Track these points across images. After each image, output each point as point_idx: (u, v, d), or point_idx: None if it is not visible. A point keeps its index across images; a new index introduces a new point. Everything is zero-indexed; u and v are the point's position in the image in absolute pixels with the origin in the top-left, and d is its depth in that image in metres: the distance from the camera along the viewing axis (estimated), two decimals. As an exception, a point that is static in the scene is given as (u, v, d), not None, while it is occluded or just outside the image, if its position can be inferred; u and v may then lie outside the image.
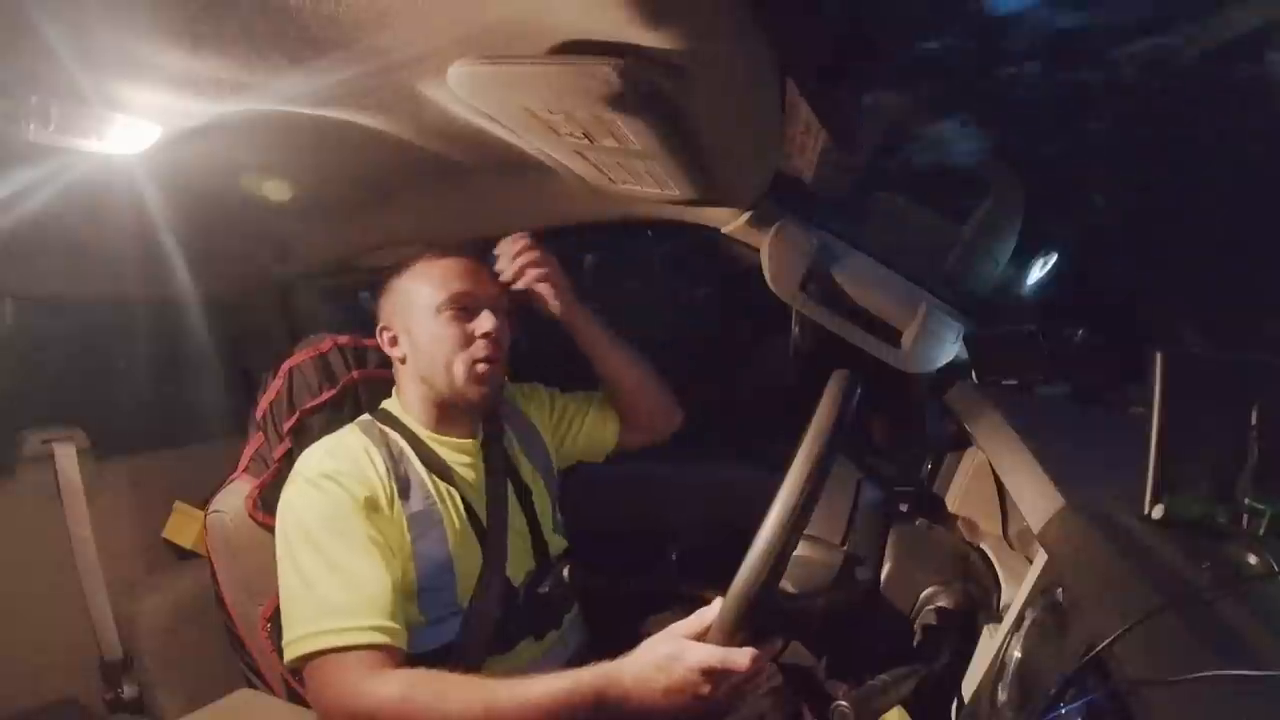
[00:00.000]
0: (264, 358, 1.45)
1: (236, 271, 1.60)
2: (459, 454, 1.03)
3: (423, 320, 1.00)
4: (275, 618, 1.03)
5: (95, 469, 1.40)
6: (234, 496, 1.07)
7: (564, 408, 1.24)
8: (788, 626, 1.00)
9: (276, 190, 1.26)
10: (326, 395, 1.10)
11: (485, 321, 0.99)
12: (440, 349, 0.99)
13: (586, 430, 1.23)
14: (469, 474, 1.03)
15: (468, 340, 0.99)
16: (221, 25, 0.69)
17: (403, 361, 1.03)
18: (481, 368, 0.99)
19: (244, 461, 1.11)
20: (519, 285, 1.08)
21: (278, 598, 1.03)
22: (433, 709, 0.75)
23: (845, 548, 1.02)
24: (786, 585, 0.98)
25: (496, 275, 1.07)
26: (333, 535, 0.86)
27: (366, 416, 1.05)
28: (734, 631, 0.71)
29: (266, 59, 0.76)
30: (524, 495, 1.09)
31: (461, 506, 0.99)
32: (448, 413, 1.03)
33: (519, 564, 1.04)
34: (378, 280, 1.08)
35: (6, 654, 1.22)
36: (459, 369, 0.99)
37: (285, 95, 0.85)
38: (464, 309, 1.00)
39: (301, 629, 0.82)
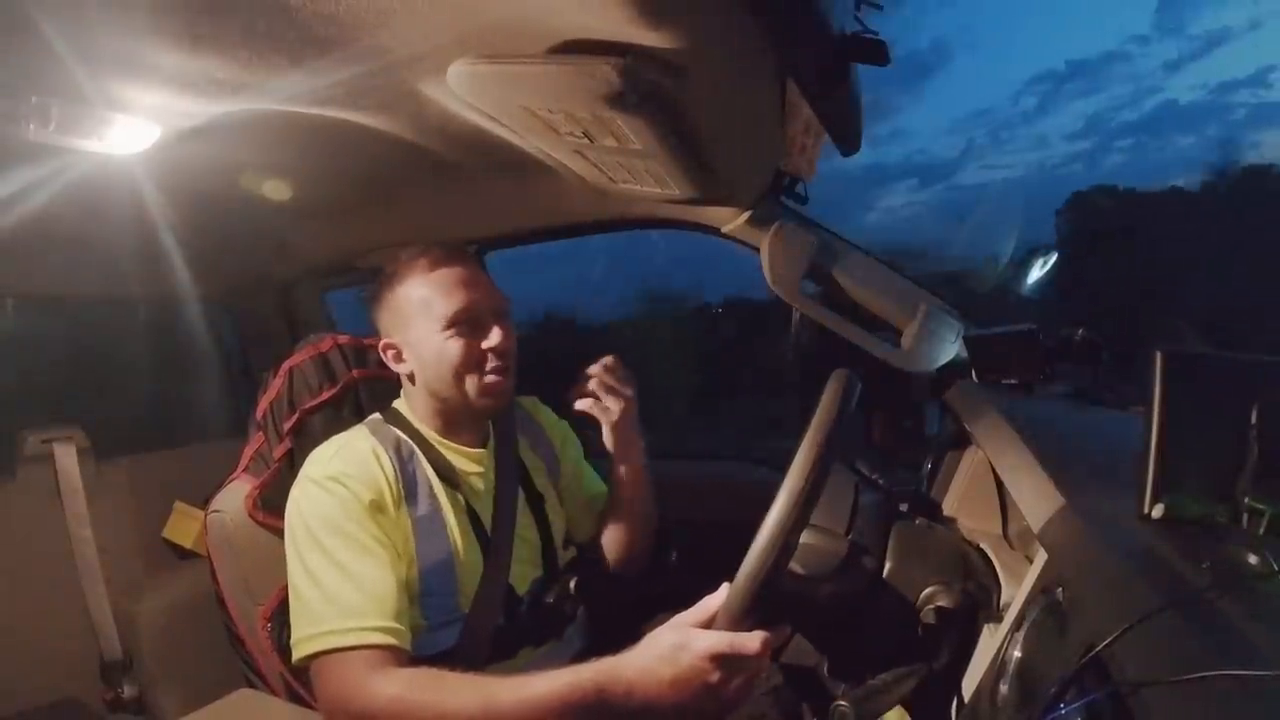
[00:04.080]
0: (264, 358, 1.46)
1: (236, 271, 1.60)
2: (468, 461, 1.03)
3: (428, 337, 0.96)
4: (275, 618, 1.03)
5: (95, 469, 1.40)
6: (234, 496, 1.07)
7: (581, 467, 1.21)
8: (793, 614, 1.00)
9: (276, 190, 1.26)
10: (327, 395, 1.10)
11: (494, 336, 0.97)
12: (449, 367, 0.96)
13: (583, 498, 1.19)
14: (477, 481, 1.03)
15: (478, 356, 0.96)
16: (222, 25, 0.69)
17: (410, 378, 1.01)
18: (492, 379, 0.97)
19: (244, 461, 1.11)
20: (593, 408, 1.06)
21: (277, 598, 1.03)
22: (432, 707, 0.75)
23: (850, 538, 1.02)
24: (794, 567, 0.97)
25: (493, 282, 1.04)
26: (338, 536, 0.86)
27: (377, 416, 1.04)
28: (742, 617, 0.71)
29: (266, 59, 0.76)
30: (536, 503, 1.09)
31: (466, 512, 0.99)
32: (457, 421, 1.02)
33: (525, 573, 1.03)
34: (373, 287, 1.05)
35: (6, 654, 1.22)
36: (470, 385, 0.97)
37: (285, 95, 0.86)
38: (470, 324, 0.96)
39: (307, 629, 0.83)
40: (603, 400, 1.06)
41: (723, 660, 0.70)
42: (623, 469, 1.10)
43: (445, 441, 1.01)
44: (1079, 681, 0.49)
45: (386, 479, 0.92)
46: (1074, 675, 0.49)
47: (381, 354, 1.02)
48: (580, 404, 1.07)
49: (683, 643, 0.72)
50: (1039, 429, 0.91)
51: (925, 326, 1.22)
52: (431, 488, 0.97)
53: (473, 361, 0.96)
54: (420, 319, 0.97)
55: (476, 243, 1.54)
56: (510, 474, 1.06)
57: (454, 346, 0.96)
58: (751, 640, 0.70)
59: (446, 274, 0.97)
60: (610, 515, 1.15)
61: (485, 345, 0.97)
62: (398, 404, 1.05)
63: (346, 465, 0.91)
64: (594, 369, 1.07)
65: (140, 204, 1.14)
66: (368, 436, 0.97)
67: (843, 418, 0.73)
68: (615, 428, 1.07)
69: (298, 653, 0.83)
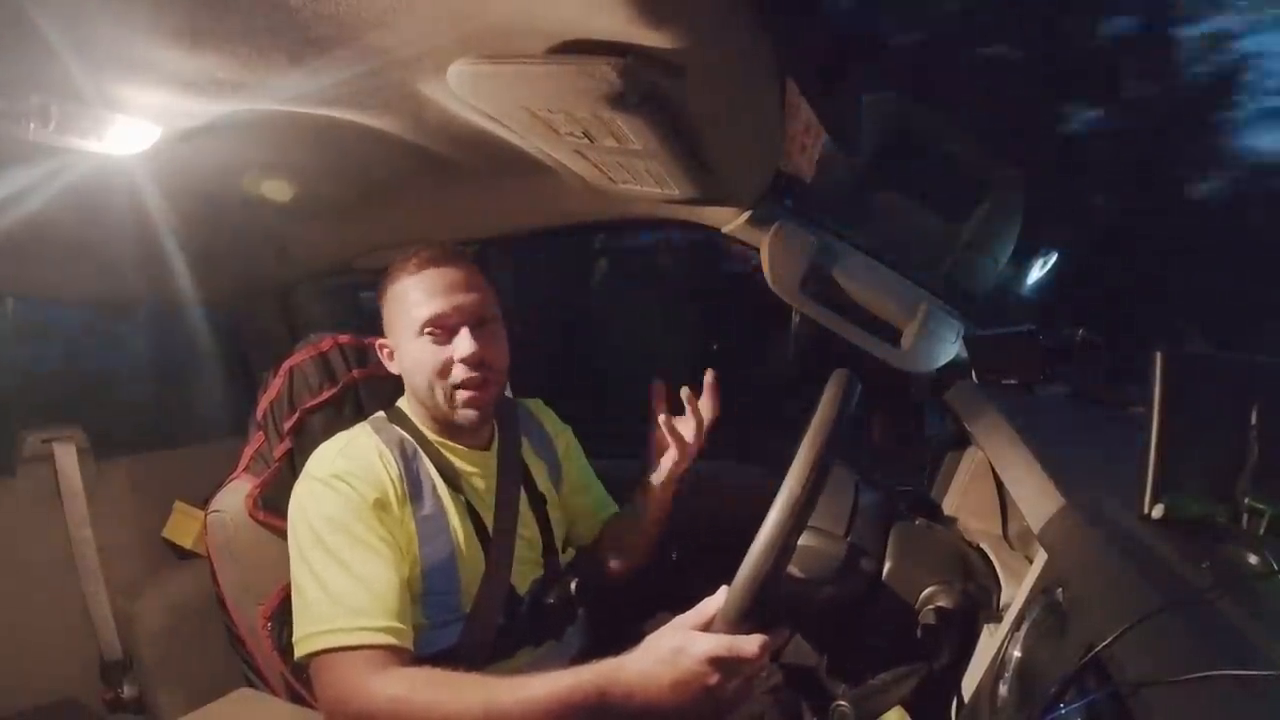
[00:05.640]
0: (264, 358, 1.45)
1: (237, 271, 1.60)
2: (469, 463, 1.02)
3: (405, 341, 0.96)
4: (275, 618, 1.03)
5: (95, 469, 1.40)
6: (234, 496, 1.07)
7: (587, 477, 1.21)
8: (792, 616, 1.00)
9: (276, 190, 1.26)
10: (327, 394, 1.10)
11: (463, 345, 0.93)
12: (421, 373, 0.95)
13: (587, 507, 1.19)
14: (479, 481, 1.02)
15: (446, 364, 0.94)
16: (222, 24, 0.69)
17: (401, 377, 1.02)
18: (464, 394, 0.95)
19: (244, 461, 1.11)
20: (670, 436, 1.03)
21: (278, 598, 1.03)
22: (433, 707, 0.75)
23: (849, 539, 1.02)
24: (793, 570, 0.97)
25: (488, 284, 1.00)
26: (342, 535, 0.86)
27: (381, 415, 1.03)
28: (741, 620, 0.71)
29: (266, 58, 0.76)
30: (538, 504, 1.08)
31: (468, 512, 0.99)
32: (450, 426, 1.01)
33: (526, 573, 1.03)
34: (378, 282, 1.05)
35: (6, 654, 1.22)
36: (440, 394, 0.95)
37: (285, 95, 0.85)
38: (443, 330, 0.94)
39: (310, 627, 0.83)
40: (687, 435, 1.04)
41: (721, 663, 0.70)
42: (659, 498, 1.09)
43: (447, 442, 1.01)
44: (1079, 681, 0.49)
45: (390, 478, 0.92)
46: (1074, 675, 0.49)
47: (379, 353, 1.03)
48: (664, 428, 1.03)
49: (681, 646, 0.72)
50: (1039, 429, 0.91)
51: (925, 326, 1.22)
52: (435, 487, 0.97)
53: (441, 370, 0.94)
54: (401, 321, 0.96)
55: (478, 243, 1.54)
56: (513, 474, 1.06)
57: (424, 353, 0.94)
58: (750, 644, 0.70)
59: (429, 276, 0.95)
60: (626, 530, 1.14)
61: (454, 355, 0.94)
62: (401, 403, 1.05)
63: (351, 464, 0.91)
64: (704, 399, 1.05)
65: (140, 204, 1.14)
66: (371, 435, 0.96)
67: (843, 418, 0.73)
68: (680, 464, 1.06)
69: (299, 650, 0.83)
